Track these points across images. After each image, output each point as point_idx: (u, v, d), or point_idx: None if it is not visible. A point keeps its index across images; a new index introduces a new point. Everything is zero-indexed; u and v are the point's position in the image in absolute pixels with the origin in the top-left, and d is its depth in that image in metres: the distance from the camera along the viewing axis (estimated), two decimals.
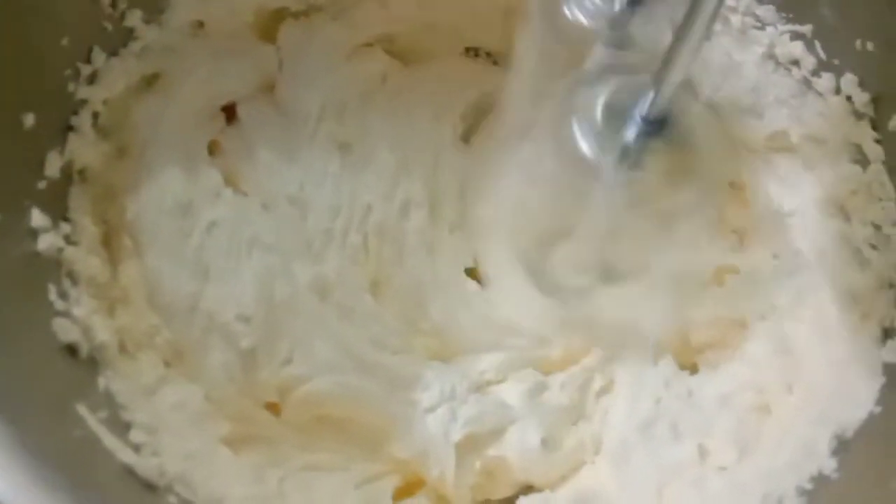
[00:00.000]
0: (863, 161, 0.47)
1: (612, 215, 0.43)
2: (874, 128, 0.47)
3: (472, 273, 0.52)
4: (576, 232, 0.47)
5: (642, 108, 0.39)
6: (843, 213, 0.48)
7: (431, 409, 0.47)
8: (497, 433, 0.48)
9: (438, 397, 0.47)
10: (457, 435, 0.46)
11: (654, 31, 0.45)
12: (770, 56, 0.51)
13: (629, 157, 0.40)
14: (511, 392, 0.49)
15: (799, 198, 0.50)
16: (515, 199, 0.51)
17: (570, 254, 0.48)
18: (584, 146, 0.40)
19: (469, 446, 0.47)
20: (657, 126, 0.39)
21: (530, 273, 0.50)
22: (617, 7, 0.46)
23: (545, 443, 0.48)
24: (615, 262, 0.47)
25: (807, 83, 0.50)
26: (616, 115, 0.40)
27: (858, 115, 0.47)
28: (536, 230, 0.50)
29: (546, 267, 0.49)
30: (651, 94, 0.38)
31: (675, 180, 0.40)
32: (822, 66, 0.49)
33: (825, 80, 0.49)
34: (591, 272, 0.47)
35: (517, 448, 0.47)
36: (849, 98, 0.48)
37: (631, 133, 0.40)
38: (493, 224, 0.53)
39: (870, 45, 0.46)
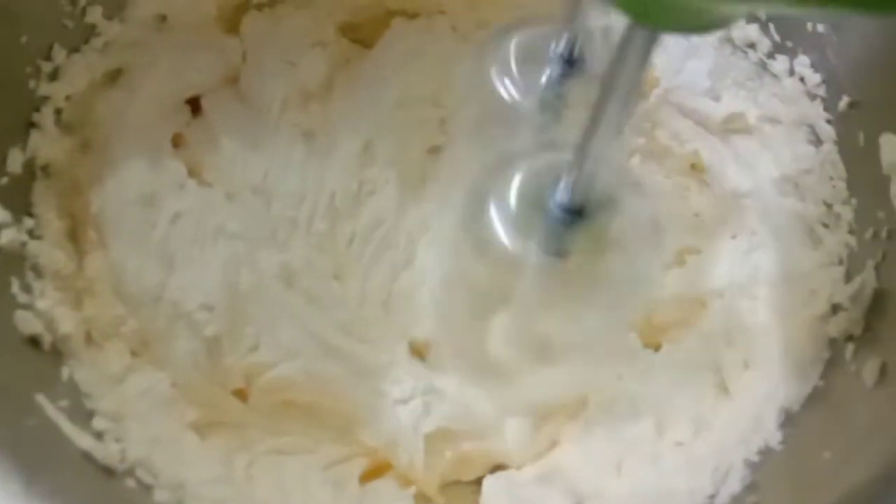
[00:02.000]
0: (816, 141, 0.48)
1: (539, 293, 0.41)
2: (826, 108, 0.47)
3: (415, 349, 0.50)
4: (507, 308, 0.45)
5: (560, 194, 0.37)
6: (798, 192, 0.49)
7: (403, 401, 0.47)
8: (478, 432, 0.48)
9: (411, 391, 0.47)
10: (428, 427, 0.46)
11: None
12: (727, 39, 0.52)
13: (548, 244, 0.38)
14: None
15: (756, 178, 0.51)
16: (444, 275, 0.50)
17: (504, 329, 0.47)
18: (502, 234, 0.39)
19: (441, 438, 0.47)
20: (575, 213, 0.37)
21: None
22: (544, 80, 0.43)
23: (536, 433, 0.48)
24: (550, 337, 0.46)
25: (762, 65, 0.51)
26: (533, 201, 0.38)
27: (811, 96, 0.48)
28: (469, 303, 0.48)
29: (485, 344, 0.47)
30: (566, 179, 0.36)
31: (599, 259, 0.39)
32: (776, 49, 0.50)
33: (780, 63, 0.50)
34: (527, 350, 0.47)
35: (507, 441, 0.47)
36: (802, 79, 0.49)
37: (548, 219, 0.38)
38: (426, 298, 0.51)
39: (820, 27, 0.47)
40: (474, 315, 0.48)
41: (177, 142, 0.51)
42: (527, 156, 0.40)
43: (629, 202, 0.39)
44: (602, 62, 0.37)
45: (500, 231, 0.39)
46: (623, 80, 0.29)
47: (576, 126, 0.33)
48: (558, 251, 0.38)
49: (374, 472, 0.48)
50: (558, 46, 0.42)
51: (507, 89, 0.44)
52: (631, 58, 0.28)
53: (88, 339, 0.42)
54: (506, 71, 0.44)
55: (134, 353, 0.43)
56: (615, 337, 0.48)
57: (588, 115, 0.32)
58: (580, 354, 0.47)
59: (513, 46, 0.45)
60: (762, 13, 0.50)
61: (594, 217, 0.38)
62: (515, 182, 0.39)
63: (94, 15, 0.46)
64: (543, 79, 0.43)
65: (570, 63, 0.42)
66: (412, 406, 0.46)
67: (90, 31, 0.46)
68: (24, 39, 0.42)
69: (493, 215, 0.39)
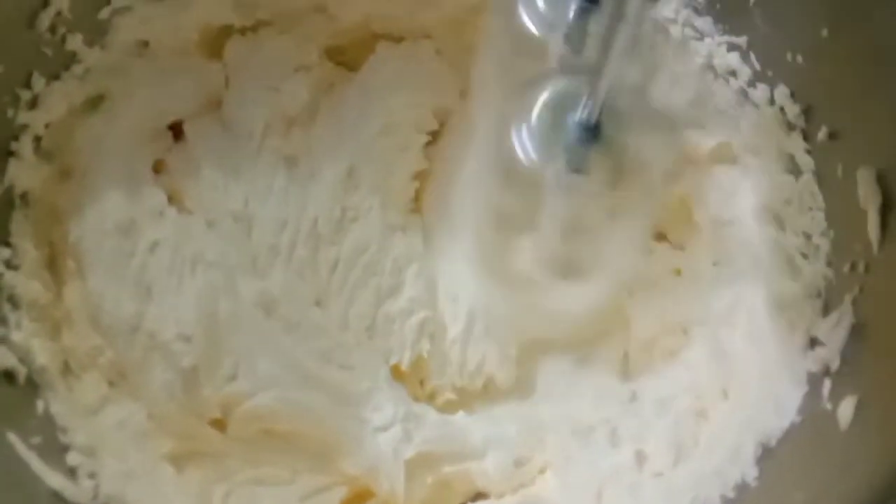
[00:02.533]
0: (795, 171, 0.48)
1: (563, 215, 0.44)
2: (805, 139, 0.48)
3: (396, 372, 0.51)
4: (532, 230, 0.47)
5: (577, 113, 0.40)
6: (778, 221, 0.49)
7: (383, 428, 0.47)
8: (459, 455, 0.48)
9: (391, 418, 0.47)
10: (409, 453, 0.46)
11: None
12: (709, 67, 0.52)
13: (570, 162, 0.41)
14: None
15: (737, 207, 0.51)
16: (472, 203, 0.52)
17: (529, 250, 0.49)
18: (523, 156, 0.41)
19: (422, 463, 0.47)
20: (593, 131, 0.40)
21: (491, 265, 0.50)
22: (571, 14, 0.45)
23: (517, 462, 0.48)
24: (573, 258, 0.47)
25: (744, 94, 0.51)
26: (553, 121, 0.41)
27: (790, 126, 0.48)
28: (495, 226, 0.50)
29: (508, 261, 0.50)
30: (584, 100, 0.39)
31: (616, 181, 0.41)
32: (757, 77, 0.50)
33: (760, 91, 0.50)
34: (551, 268, 0.48)
35: (487, 468, 0.48)
36: (782, 109, 0.49)
37: (570, 138, 0.41)
38: (451, 219, 0.54)
39: (800, 58, 0.47)
40: (501, 235, 0.50)
41: (158, 168, 0.50)
42: (548, 81, 0.43)
43: (641, 122, 0.42)
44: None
45: (526, 149, 0.41)
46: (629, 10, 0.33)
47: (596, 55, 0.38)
48: (579, 168, 0.41)
49: (354, 500, 0.48)
50: None
51: (533, 23, 0.46)
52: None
53: (66, 369, 0.42)
54: (532, 5, 0.46)
55: (111, 384, 0.43)
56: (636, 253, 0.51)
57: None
58: (606, 270, 0.48)
59: None
60: None
61: (611, 135, 0.41)
62: (538, 104, 0.42)
63: (75, 42, 0.46)
64: (570, 13, 0.45)
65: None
66: (392, 432, 0.46)
67: (70, 59, 0.46)
68: (1, 69, 0.42)
69: (517, 136, 0.41)
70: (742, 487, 0.40)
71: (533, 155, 0.41)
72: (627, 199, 0.43)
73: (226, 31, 0.54)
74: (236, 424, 0.46)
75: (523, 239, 0.49)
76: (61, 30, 0.45)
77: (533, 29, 0.46)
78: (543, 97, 0.42)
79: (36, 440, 0.35)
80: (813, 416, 0.40)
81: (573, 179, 0.41)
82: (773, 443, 0.41)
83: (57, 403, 0.39)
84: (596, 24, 0.45)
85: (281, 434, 0.47)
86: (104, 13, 0.47)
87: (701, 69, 0.53)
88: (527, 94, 0.43)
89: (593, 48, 0.45)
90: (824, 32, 0.45)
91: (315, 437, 0.47)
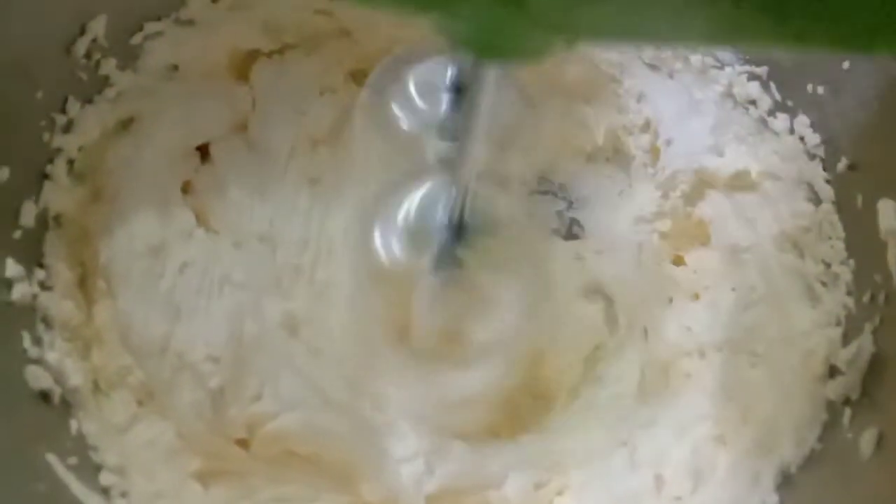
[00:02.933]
0: (815, 200, 0.49)
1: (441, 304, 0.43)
2: (825, 168, 0.48)
3: None
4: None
5: (446, 211, 0.39)
6: (797, 249, 0.49)
7: (406, 460, 0.46)
8: (481, 485, 0.47)
9: (415, 450, 0.46)
10: (430, 487, 0.46)
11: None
12: (729, 95, 0.53)
13: (443, 261, 0.40)
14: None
15: (756, 233, 0.52)
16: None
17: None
18: (386, 258, 0.41)
19: (443, 496, 0.47)
20: (461, 230, 0.40)
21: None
22: (443, 106, 0.44)
23: (536, 486, 0.48)
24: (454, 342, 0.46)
25: (763, 122, 0.52)
26: (422, 223, 0.41)
27: (811, 156, 0.49)
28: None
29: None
30: (452, 195, 0.38)
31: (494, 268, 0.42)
32: (777, 107, 0.51)
33: (780, 121, 0.51)
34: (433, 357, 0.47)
35: (507, 494, 0.47)
36: (802, 139, 0.49)
37: (439, 238, 0.40)
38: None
39: (820, 90, 0.48)
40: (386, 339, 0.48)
41: (185, 189, 0.51)
42: (415, 179, 0.43)
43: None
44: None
45: (391, 252, 0.41)
46: (481, 110, 0.32)
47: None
48: (451, 264, 0.40)
49: None
50: (448, 76, 0.44)
51: (406, 120, 0.46)
52: (485, 86, 0.30)
53: (96, 388, 0.42)
54: (406, 103, 0.46)
55: (140, 403, 0.44)
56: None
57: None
58: (498, 350, 0.47)
59: (411, 78, 0.47)
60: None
61: (480, 234, 0.40)
62: (404, 205, 0.42)
63: (108, 67, 0.47)
64: (442, 108, 0.45)
65: (458, 91, 0.43)
66: (415, 465, 0.46)
67: (104, 83, 0.47)
68: (39, 95, 0.42)
69: (381, 239, 0.41)
70: None
71: (400, 253, 0.41)
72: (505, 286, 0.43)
73: (253, 55, 0.55)
74: (259, 444, 0.46)
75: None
76: (96, 55, 0.46)
77: (405, 126, 0.46)
78: (414, 195, 0.42)
79: (72, 461, 0.36)
80: (834, 445, 0.40)
81: (447, 274, 0.41)
82: (793, 469, 0.42)
83: (88, 423, 0.40)
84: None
85: (302, 455, 0.47)
86: (137, 38, 0.48)
87: (720, 97, 0.54)
88: (397, 192, 0.43)
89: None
90: (846, 65, 0.45)
91: (336, 461, 0.47)
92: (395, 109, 0.45)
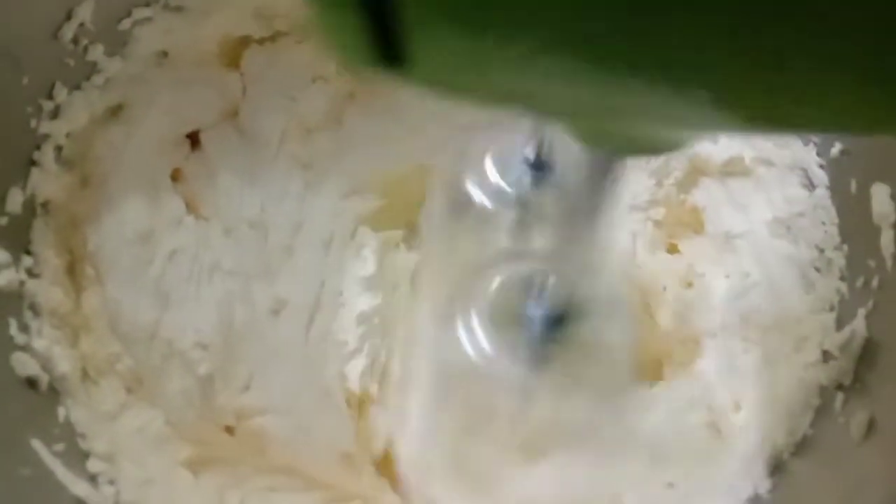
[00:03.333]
0: (809, 185, 0.49)
1: (520, 403, 0.41)
2: (819, 154, 0.48)
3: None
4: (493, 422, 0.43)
5: (538, 303, 0.35)
6: (790, 234, 0.49)
7: None
8: None
9: None
10: None
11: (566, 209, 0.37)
12: None
13: (532, 359, 0.36)
14: None
15: (749, 219, 0.51)
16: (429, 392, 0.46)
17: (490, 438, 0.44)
18: (472, 352, 0.37)
19: None
20: (558, 324, 0.36)
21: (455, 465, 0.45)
22: (524, 186, 0.41)
23: None
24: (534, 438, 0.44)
25: None
26: (509, 312, 0.37)
27: (804, 141, 0.49)
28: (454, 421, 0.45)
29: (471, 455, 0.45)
30: (547, 287, 0.34)
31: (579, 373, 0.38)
32: None
33: None
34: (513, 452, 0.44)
35: None
36: None
37: (528, 333, 0.36)
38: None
39: None
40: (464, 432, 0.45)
41: (175, 176, 0.51)
42: (497, 267, 0.38)
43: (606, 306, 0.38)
44: (572, 170, 0.36)
45: (477, 351, 0.37)
46: (592, 198, 0.28)
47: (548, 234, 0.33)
48: (539, 361, 0.37)
49: None
50: (529, 152, 0.41)
51: (481, 195, 0.42)
52: (597, 177, 0.27)
53: (84, 375, 0.42)
54: (481, 177, 0.42)
55: (129, 391, 0.44)
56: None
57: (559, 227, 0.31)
58: (570, 448, 0.45)
59: (489, 151, 0.43)
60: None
61: (575, 324, 0.36)
62: (488, 298, 0.37)
63: (96, 53, 0.46)
64: (516, 187, 0.41)
65: (540, 168, 0.40)
66: None
67: (91, 69, 0.47)
68: (25, 80, 0.42)
69: (467, 336, 0.37)
70: (755, 500, 0.40)
71: (485, 352, 0.37)
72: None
73: (244, 42, 0.54)
74: (243, 436, 0.46)
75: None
76: (83, 41, 0.46)
77: (479, 200, 0.42)
78: (492, 288, 0.38)
79: (59, 447, 0.35)
80: (826, 431, 0.40)
81: (532, 376, 0.37)
82: (786, 456, 0.41)
83: (76, 410, 0.40)
84: (548, 197, 0.41)
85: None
86: (125, 24, 0.48)
87: None
88: (474, 283, 0.38)
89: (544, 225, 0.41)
90: None
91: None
92: (470, 187, 0.41)
